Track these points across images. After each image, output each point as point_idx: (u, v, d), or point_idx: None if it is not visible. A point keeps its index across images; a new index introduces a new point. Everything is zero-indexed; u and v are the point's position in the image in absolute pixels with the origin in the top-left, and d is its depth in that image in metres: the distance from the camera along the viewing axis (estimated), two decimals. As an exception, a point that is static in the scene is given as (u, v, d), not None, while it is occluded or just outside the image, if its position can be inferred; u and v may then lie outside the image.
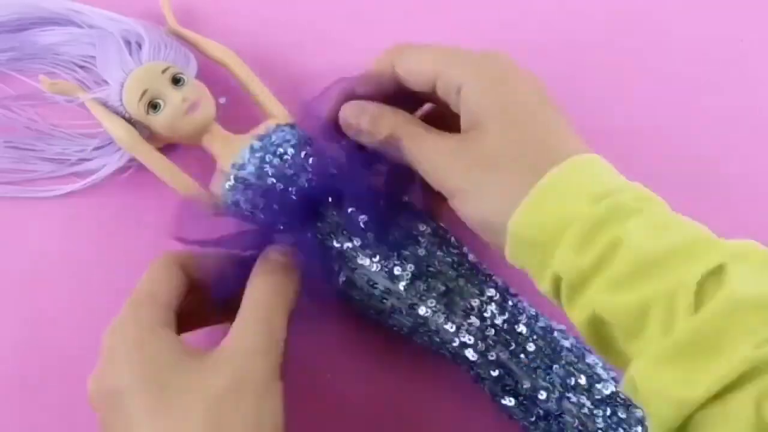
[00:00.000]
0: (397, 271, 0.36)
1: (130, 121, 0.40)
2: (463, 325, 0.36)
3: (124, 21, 0.42)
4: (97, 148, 0.42)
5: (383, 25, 0.47)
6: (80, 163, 0.42)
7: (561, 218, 0.29)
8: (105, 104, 0.40)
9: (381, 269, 0.36)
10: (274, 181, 0.37)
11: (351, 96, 0.36)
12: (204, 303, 0.35)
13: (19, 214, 0.41)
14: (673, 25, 0.49)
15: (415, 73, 0.34)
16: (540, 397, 0.35)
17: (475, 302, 0.36)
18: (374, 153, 0.36)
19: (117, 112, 0.40)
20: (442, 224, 0.38)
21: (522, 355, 0.36)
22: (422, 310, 0.36)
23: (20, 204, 0.42)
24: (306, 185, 0.37)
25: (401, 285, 0.36)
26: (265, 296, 0.33)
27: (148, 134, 0.40)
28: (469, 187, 0.32)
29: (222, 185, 0.38)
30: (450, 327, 0.36)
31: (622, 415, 0.35)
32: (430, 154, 0.33)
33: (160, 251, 0.34)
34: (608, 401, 0.36)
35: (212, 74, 0.42)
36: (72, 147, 0.42)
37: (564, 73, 0.43)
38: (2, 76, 0.43)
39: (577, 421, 0.35)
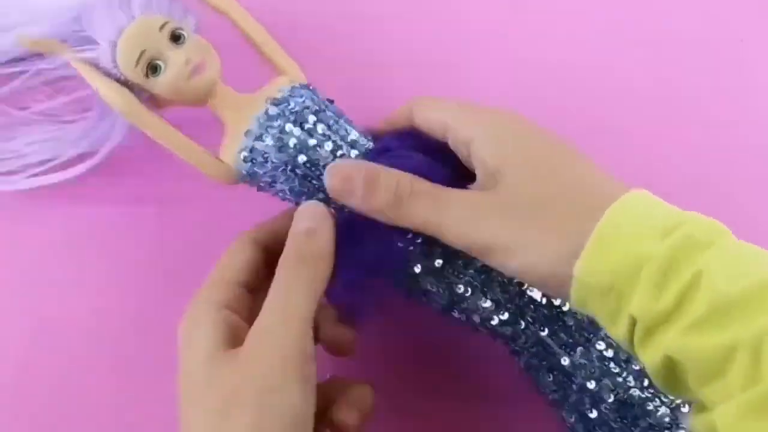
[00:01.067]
0: (433, 248, 0.34)
1: (126, 84, 0.35)
2: (501, 301, 0.34)
3: None
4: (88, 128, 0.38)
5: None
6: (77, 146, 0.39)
7: (633, 259, 0.27)
8: (96, 66, 0.35)
9: (417, 247, 0.33)
10: (296, 152, 0.34)
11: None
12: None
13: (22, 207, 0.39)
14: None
15: (428, 125, 0.35)
16: (577, 373, 0.35)
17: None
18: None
19: (110, 75, 0.35)
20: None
21: (562, 333, 0.35)
22: (460, 288, 0.34)
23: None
24: (330, 153, 0.34)
25: (437, 263, 0.34)
26: (289, 284, 0.31)
27: (149, 96, 0.36)
28: (511, 242, 0.30)
29: (236, 155, 0.35)
30: (487, 304, 0.34)
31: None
32: (456, 212, 0.31)
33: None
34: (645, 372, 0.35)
35: (213, 27, 0.37)
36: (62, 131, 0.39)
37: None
38: None
39: (613, 396, 0.35)
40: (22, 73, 0.38)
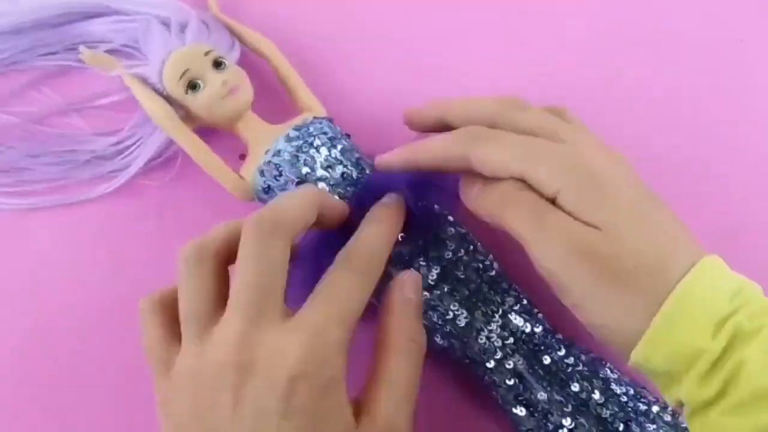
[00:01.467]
0: (423, 271, 0.36)
1: (167, 100, 0.40)
2: (483, 330, 0.36)
3: (170, 4, 0.43)
4: (125, 143, 0.43)
5: (419, 28, 0.49)
6: (114, 160, 0.43)
7: (689, 352, 0.29)
8: (144, 81, 0.41)
9: (408, 269, 0.36)
10: (309, 170, 0.37)
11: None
12: None
13: (56, 219, 0.43)
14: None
15: (492, 167, 0.32)
16: (553, 410, 0.36)
17: (498, 309, 0.37)
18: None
19: (155, 90, 0.40)
20: (470, 232, 0.39)
21: (538, 367, 0.37)
22: (443, 308, 0.36)
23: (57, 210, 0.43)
24: (340, 177, 0.37)
25: (427, 285, 0.36)
26: (408, 367, 0.31)
27: (184, 114, 0.41)
28: (589, 295, 0.30)
29: (254, 171, 0.39)
30: (468, 330, 0.36)
31: (635, 429, 0.36)
32: (549, 237, 0.30)
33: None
34: (622, 416, 0.37)
35: (252, 64, 0.43)
36: (101, 145, 0.43)
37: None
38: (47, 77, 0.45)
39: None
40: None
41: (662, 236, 0.31)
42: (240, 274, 0.29)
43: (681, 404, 0.31)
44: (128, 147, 0.43)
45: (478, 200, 0.33)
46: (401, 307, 0.32)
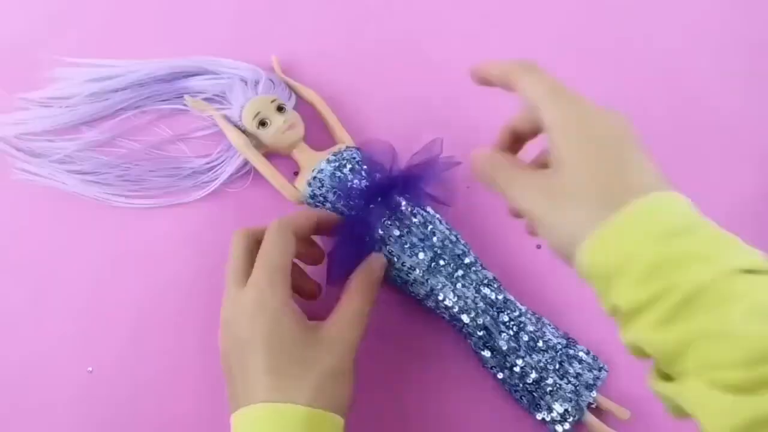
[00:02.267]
0: (420, 255, 0.51)
1: (244, 132, 0.56)
2: (462, 297, 0.51)
3: (247, 67, 0.59)
4: (214, 163, 0.58)
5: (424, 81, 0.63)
6: (206, 174, 0.58)
7: (625, 254, 0.31)
8: (228, 119, 0.57)
9: (410, 253, 0.51)
10: (343, 183, 0.53)
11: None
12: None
13: (165, 216, 0.58)
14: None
15: (522, 95, 0.38)
16: (510, 352, 0.51)
17: (473, 282, 0.51)
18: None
19: (236, 126, 0.56)
20: (453, 228, 0.54)
21: (501, 323, 0.51)
22: (434, 283, 0.51)
23: (167, 209, 0.58)
24: (363, 186, 0.52)
25: (424, 264, 0.51)
26: (363, 301, 0.47)
27: (255, 143, 0.56)
28: (545, 216, 0.35)
29: (304, 183, 0.54)
30: (452, 297, 0.51)
31: (566, 366, 0.51)
32: (522, 188, 0.37)
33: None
34: (557, 358, 0.51)
35: (304, 108, 0.58)
36: (198, 164, 0.58)
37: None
38: (164, 116, 0.60)
39: (534, 372, 0.50)
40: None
41: (627, 169, 0.34)
42: (261, 249, 0.45)
43: (614, 313, 0.33)
44: (216, 166, 0.57)
45: (481, 170, 0.40)
46: (365, 270, 0.49)
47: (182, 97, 0.59)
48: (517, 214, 0.44)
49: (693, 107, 0.64)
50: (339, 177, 0.53)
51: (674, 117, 0.63)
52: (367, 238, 0.51)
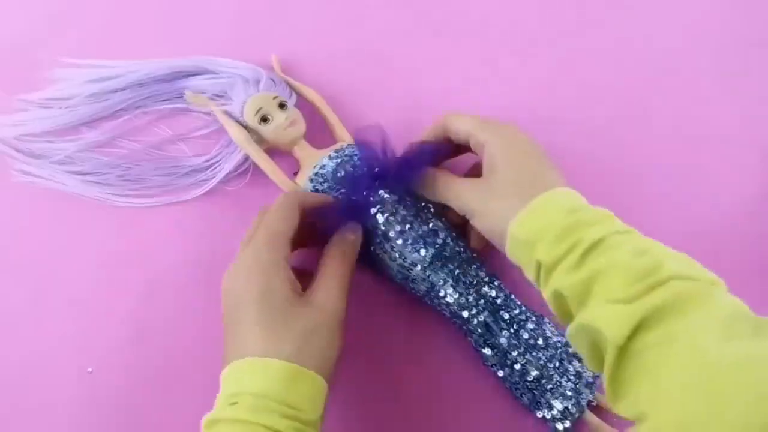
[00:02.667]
0: (422, 252, 0.51)
1: (245, 128, 0.56)
2: (463, 294, 0.51)
3: (247, 66, 0.59)
4: (212, 161, 0.58)
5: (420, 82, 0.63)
6: (205, 172, 0.58)
7: (544, 224, 0.42)
8: (229, 115, 0.57)
9: (412, 249, 0.50)
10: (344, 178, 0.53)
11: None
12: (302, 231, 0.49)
13: (165, 213, 0.58)
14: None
15: (456, 133, 0.50)
16: (510, 350, 0.51)
17: (473, 280, 0.51)
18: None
19: (236, 121, 0.56)
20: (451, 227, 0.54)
21: (501, 321, 0.51)
22: (435, 279, 0.51)
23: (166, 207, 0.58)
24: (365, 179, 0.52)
25: (426, 260, 0.50)
26: (342, 266, 0.48)
27: (256, 139, 0.56)
28: (484, 209, 0.46)
29: (305, 179, 0.54)
30: (453, 293, 0.51)
31: (566, 364, 0.50)
32: (458, 191, 0.48)
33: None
34: (557, 356, 0.51)
35: (303, 108, 0.58)
36: (197, 162, 0.58)
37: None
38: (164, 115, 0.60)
39: (534, 370, 0.50)
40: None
41: (538, 173, 0.46)
42: (266, 216, 0.47)
43: (538, 274, 0.43)
44: (214, 164, 0.58)
45: (433, 190, 0.50)
46: (342, 237, 0.49)
47: (182, 96, 0.60)
48: (457, 223, 0.53)
49: (693, 107, 0.64)
50: (341, 174, 0.53)
51: (674, 117, 0.63)
52: (361, 219, 0.51)
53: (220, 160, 0.58)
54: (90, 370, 0.53)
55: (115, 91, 0.60)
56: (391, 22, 0.65)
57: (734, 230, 0.60)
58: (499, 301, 0.52)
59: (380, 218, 0.51)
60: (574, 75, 0.64)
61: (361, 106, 0.61)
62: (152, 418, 0.52)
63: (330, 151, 0.55)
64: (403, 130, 0.58)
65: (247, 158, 0.57)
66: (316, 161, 0.54)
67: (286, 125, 0.55)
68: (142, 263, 0.56)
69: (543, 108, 0.63)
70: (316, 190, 0.53)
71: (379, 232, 0.51)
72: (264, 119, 0.55)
